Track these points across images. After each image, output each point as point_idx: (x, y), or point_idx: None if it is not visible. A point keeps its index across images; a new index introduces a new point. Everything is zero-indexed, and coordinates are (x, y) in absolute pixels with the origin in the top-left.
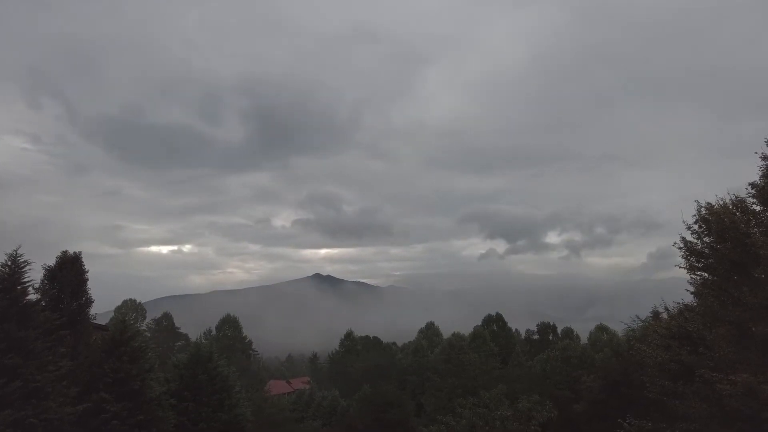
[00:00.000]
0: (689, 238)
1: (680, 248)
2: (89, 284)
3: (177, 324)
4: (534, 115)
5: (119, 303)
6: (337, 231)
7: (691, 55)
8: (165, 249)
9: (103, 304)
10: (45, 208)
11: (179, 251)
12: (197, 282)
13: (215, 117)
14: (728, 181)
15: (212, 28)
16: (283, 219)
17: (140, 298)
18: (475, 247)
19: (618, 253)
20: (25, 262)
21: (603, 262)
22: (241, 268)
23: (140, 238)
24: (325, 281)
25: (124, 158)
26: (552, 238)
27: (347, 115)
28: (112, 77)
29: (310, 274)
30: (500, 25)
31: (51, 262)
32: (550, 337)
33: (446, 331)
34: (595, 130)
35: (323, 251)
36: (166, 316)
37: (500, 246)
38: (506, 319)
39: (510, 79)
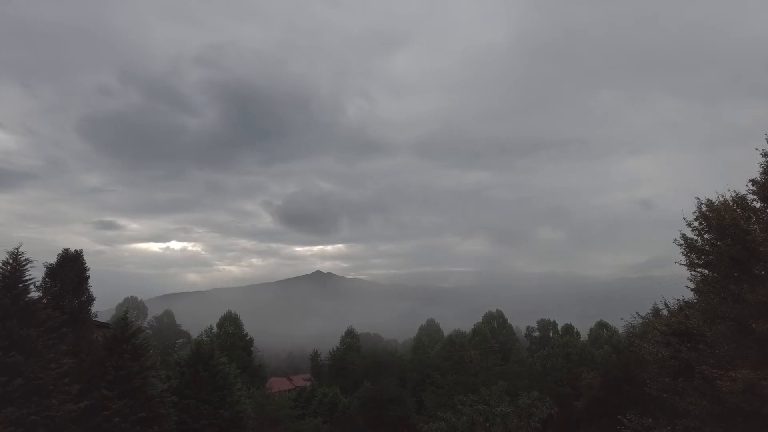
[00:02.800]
0: (689, 234)
1: (681, 245)
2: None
3: (177, 321)
4: (521, 101)
5: (115, 300)
6: (332, 227)
7: (681, 34)
8: (154, 246)
9: (100, 302)
10: (28, 202)
11: (168, 248)
12: (194, 279)
13: (195, 107)
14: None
15: (177, 7)
16: (273, 215)
17: (139, 296)
18: (472, 243)
19: (618, 248)
20: (26, 260)
21: (603, 259)
22: (235, 265)
23: (128, 234)
24: (325, 278)
25: (101, 150)
26: (550, 233)
27: (327, 102)
28: (77, 61)
29: (311, 272)
30: (479, 4)
31: (38, 257)
32: (551, 334)
33: (446, 328)
34: (590, 117)
35: (317, 248)
36: (168, 314)
37: (499, 243)
38: (506, 316)
39: (491, 61)
